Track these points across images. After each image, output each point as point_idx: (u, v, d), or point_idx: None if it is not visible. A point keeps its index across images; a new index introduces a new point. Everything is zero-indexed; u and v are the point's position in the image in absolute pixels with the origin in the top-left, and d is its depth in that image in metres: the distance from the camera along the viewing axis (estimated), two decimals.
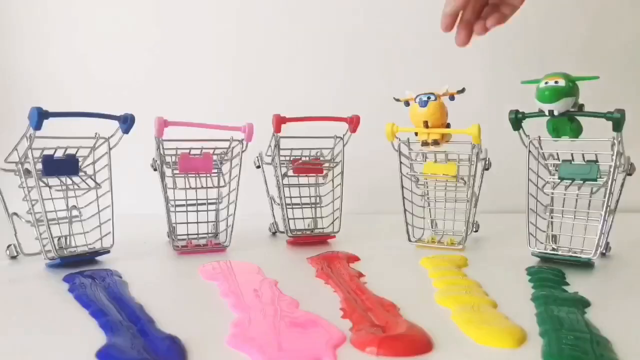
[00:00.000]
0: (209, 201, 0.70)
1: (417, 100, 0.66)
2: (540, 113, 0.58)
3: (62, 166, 0.60)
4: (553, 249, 0.62)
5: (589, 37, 1.03)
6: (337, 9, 1.02)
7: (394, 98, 0.69)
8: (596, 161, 0.59)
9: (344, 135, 0.74)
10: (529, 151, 0.62)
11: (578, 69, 0.59)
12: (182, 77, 1.00)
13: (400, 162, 0.71)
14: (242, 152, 0.69)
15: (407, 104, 0.68)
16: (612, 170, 0.57)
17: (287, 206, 0.72)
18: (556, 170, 0.61)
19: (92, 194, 0.62)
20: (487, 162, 0.71)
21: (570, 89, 0.56)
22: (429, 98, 0.66)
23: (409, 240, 0.71)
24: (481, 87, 1.04)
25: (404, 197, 0.71)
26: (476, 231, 0.76)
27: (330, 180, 0.74)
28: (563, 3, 1.03)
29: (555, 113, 0.56)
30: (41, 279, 0.55)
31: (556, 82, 0.56)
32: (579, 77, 0.57)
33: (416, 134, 0.68)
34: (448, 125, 0.68)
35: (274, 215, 0.77)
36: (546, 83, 0.56)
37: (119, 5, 0.99)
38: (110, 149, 0.62)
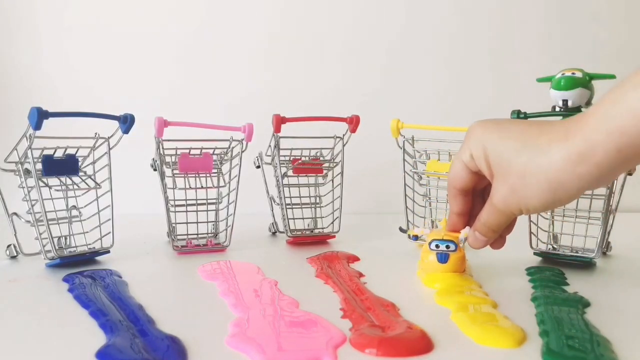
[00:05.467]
0: (209, 201, 0.70)
1: (432, 246, 0.54)
2: (544, 113, 0.58)
3: (62, 166, 0.59)
4: (554, 248, 0.62)
5: (603, 37, 1.03)
6: (337, 8, 1.02)
7: (400, 229, 0.62)
8: None
9: (343, 135, 0.74)
10: None
11: (591, 70, 0.58)
12: (182, 77, 1.00)
13: (404, 160, 0.71)
14: (242, 152, 0.69)
15: (415, 238, 0.58)
16: None
17: (287, 206, 0.72)
18: None
19: (92, 194, 0.62)
20: None
21: (587, 82, 0.56)
22: (447, 247, 0.53)
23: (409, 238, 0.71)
24: (485, 86, 1.04)
25: (405, 195, 0.71)
26: None
27: (330, 180, 0.74)
28: (575, 3, 1.03)
29: (570, 104, 0.56)
30: (41, 279, 0.55)
31: (573, 73, 0.56)
32: (596, 75, 0.57)
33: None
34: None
35: (273, 215, 0.77)
36: (563, 74, 0.56)
37: (118, 4, 0.99)
38: (110, 149, 0.62)
